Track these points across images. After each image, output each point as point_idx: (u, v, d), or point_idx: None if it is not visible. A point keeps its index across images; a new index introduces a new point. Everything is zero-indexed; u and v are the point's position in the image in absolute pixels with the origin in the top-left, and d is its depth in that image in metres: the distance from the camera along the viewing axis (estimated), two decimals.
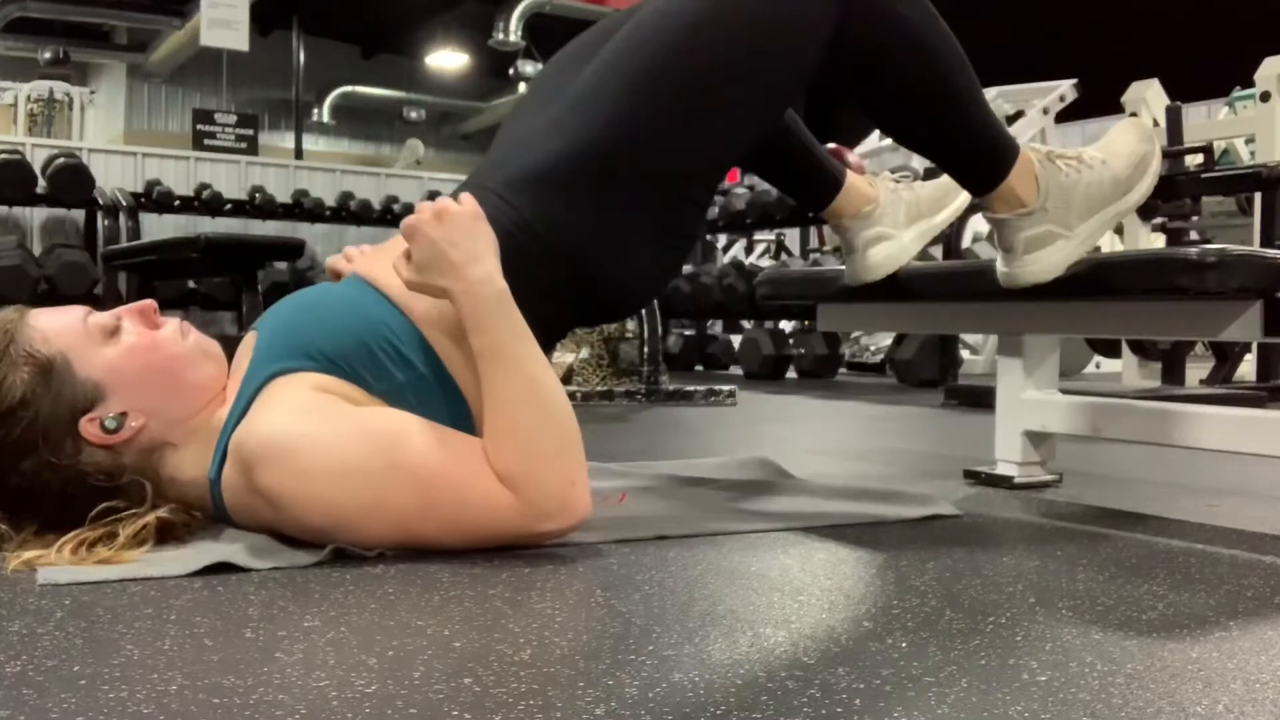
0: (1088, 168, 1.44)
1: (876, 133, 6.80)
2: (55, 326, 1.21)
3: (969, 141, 1.41)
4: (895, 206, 1.64)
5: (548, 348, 1.33)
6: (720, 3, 1.30)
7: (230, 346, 1.34)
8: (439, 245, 1.19)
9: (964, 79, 1.38)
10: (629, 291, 1.43)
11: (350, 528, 1.16)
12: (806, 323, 6.14)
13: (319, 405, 1.18)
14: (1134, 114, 5.30)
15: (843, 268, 1.70)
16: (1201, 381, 4.42)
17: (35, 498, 1.19)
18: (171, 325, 1.29)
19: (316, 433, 1.15)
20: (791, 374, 6.00)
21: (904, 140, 1.52)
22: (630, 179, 1.32)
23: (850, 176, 1.62)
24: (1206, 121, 6.19)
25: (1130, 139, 1.50)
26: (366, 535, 1.17)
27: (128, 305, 1.28)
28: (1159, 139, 4.49)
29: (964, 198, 1.68)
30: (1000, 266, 1.48)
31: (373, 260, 1.36)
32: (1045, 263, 1.43)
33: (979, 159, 1.42)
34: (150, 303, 1.28)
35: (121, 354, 1.23)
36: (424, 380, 1.24)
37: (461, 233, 1.20)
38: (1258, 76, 4.91)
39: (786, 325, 6.52)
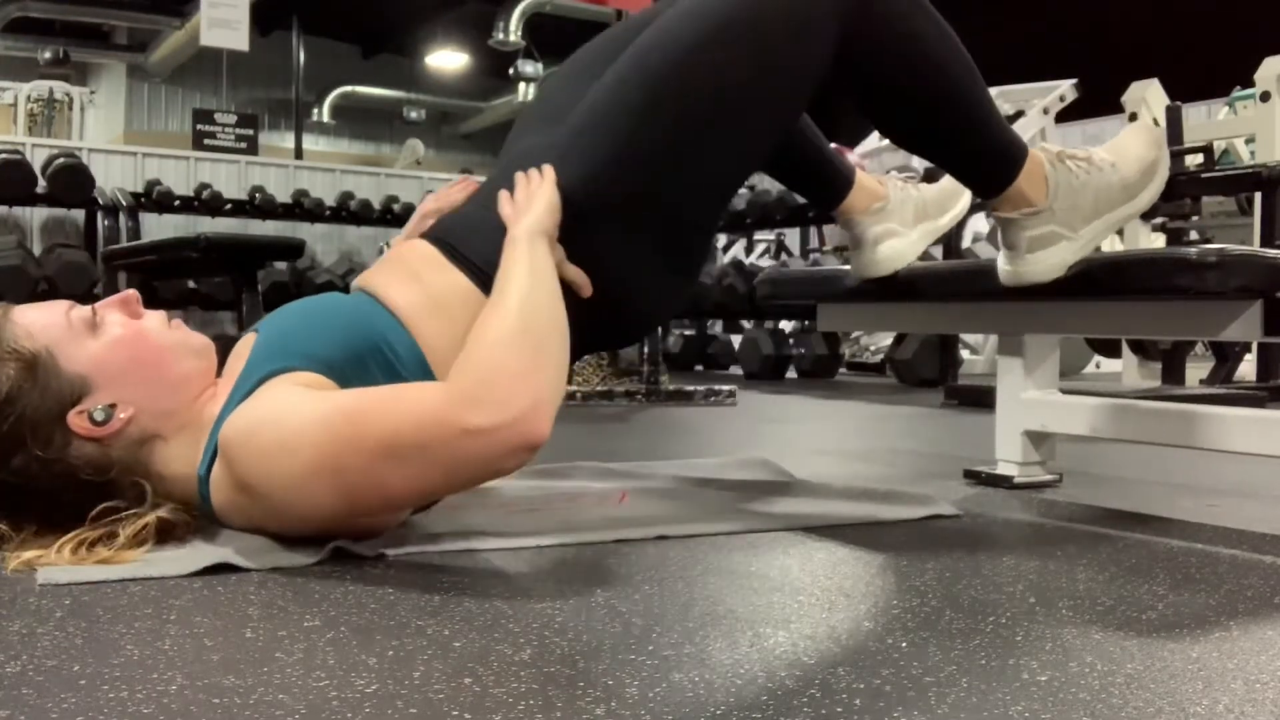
0: (1097, 170, 1.44)
1: (876, 133, 6.79)
2: (39, 321, 1.21)
3: (979, 148, 1.41)
4: (904, 205, 1.65)
5: None
6: (726, 21, 1.29)
7: (228, 347, 1.34)
8: (521, 198, 1.30)
9: (975, 89, 1.38)
10: (636, 319, 1.44)
11: (308, 491, 1.12)
12: (806, 323, 6.14)
13: (296, 395, 1.16)
14: (1134, 114, 5.30)
15: (843, 267, 1.70)
16: (1201, 381, 4.42)
17: (26, 495, 1.19)
18: (156, 316, 1.28)
19: (282, 414, 1.13)
20: (791, 374, 6.00)
21: (913, 149, 1.52)
22: (637, 211, 1.33)
23: (860, 174, 1.62)
24: (1206, 121, 6.20)
25: (1140, 144, 1.50)
26: (327, 496, 1.13)
27: (109, 298, 1.28)
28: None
29: (966, 201, 1.68)
30: (1002, 264, 1.48)
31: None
32: (1047, 263, 1.43)
33: (988, 164, 1.42)
34: (132, 293, 1.27)
35: (106, 346, 1.22)
36: None
37: (525, 194, 1.30)
38: (1258, 76, 4.92)
39: (786, 325, 6.52)
